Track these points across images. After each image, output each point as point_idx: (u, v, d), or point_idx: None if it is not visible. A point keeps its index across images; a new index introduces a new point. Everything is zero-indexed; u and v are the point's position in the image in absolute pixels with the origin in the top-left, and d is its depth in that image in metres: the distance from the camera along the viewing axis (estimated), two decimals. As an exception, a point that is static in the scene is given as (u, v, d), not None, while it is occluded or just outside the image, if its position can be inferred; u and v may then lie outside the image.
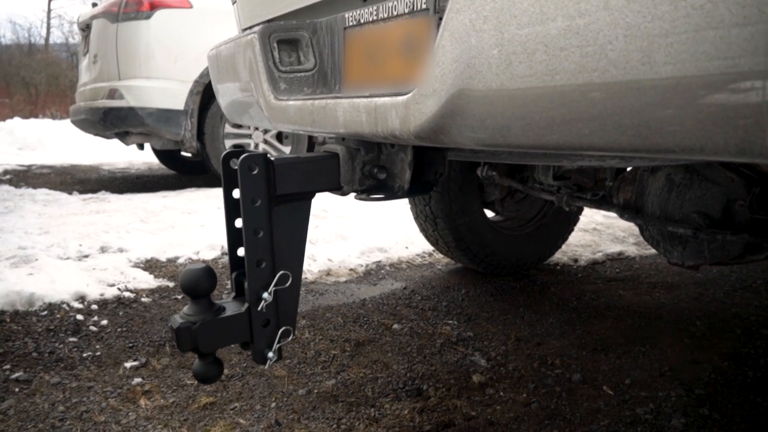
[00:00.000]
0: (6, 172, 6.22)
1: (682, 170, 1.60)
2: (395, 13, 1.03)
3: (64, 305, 2.07)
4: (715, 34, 0.48)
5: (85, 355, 1.75)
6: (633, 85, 0.55)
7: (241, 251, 1.07)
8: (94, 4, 5.40)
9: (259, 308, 1.01)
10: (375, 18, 1.09)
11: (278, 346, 1.05)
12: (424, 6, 0.94)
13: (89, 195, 4.58)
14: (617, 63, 0.54)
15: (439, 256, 2.94)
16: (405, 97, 0.83)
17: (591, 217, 3.64)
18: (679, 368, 1.73)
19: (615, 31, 0.54)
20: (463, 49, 0.71)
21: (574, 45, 0.57)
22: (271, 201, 1.00)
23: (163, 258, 2.71)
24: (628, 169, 1.82)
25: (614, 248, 3.06)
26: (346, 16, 1.19)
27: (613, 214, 2.53)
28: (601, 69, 0.56)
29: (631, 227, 3.47)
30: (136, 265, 2.59)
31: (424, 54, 0.95)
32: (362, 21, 1.14)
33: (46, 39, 28.46)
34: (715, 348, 1.86)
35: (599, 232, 3.43)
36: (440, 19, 0.90)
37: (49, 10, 28.98)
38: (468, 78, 0.71)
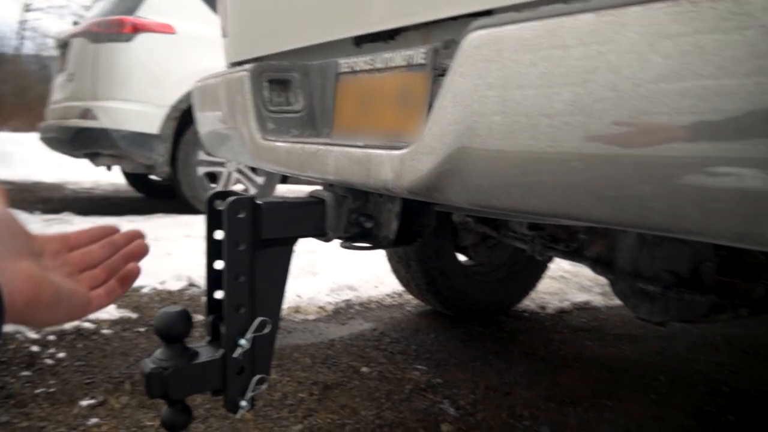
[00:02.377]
0: (-37, 185, 5.98)
1: (654, 229, 1.64)
2: (391, 65, 1.05)
3: (19, 335, 1.98)
4: (720, 123, 0.49)
5: (38, 391, 1.66)
6: (638, 162, 0.56)
7: (219, 294, 1.04)
8: (75, 23, 5.34)
9: (235, 355, 0.98)
10: (370, 68, 1.10)
11: (252, 394, 1.02)
12: (422, 61, 0.96)
13: (52, 216, 4.43)
14: (625, 142, 0.56)
15: (408, 297, 2.93)
16: (401, 151, 0.84)
17: (558, 264, 3.69)
18: (645, 425, 1.74)
19: (621, 112, 0.55)
20: (465, 113, 0.71)
21: (579, 120, 0.58)
22: (255, 245, 0.98)
23: (126, 286, 2.62)
24: (602, 224, 1.86)
25: (581, 297, 3.11)
26: (340, 62, 1.20)
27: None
28: (605, 147, 0.57)
29: (597, 277, 3.53)
30: (98, 293, 2.50)
31: (418, 108, 0.96)
32: (356, 69, 1.15)
33: (18, 50, 27.90)
34: (679, 405, 1.89)
35: (566, 280, 3.47)
36: (438, 75, 0.92)
37: (23, 21, 28.54)
38: (467, 140, 0.72)
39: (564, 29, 0.59)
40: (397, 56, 1.01)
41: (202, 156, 4.67)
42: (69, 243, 0.71)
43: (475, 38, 0.69)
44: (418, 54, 0.95)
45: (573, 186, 0.62)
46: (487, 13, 0.84)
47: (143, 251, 0.78)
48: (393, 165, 0.85)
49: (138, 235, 0.79)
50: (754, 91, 0.46)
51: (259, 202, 0.99)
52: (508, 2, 0.76)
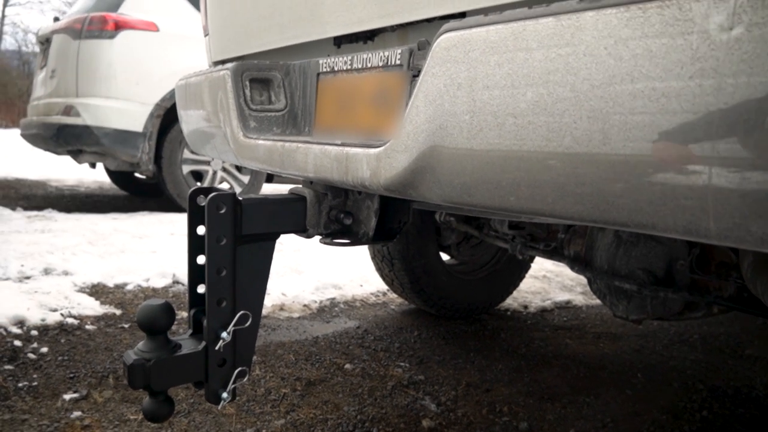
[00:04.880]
0: (-56, 182, 5.93)
1: (629, 228, 1.68)
2: (369, 65, 1.07)
3: (1, 330, 1.98)
4: (668, 123, 0.53)
5: (20, 384, 1.66)
6: (595, 159, 0.59)
7: (201, 288, 1.06)
8: (56, 18, 5.31)
9: (217, 347, 1.00)
10: (349, 68, 1.13)
11: (233, 386, 1.04)
12: (398, 62, 0.99)
13: (34, 212, 4.41)
14: (580, 140, 0.59)
15: (393, 295, 2.95)
16: (377, 149, 0.86)
17: (541, 264, 3.74)
18: (621, 420, 1.78)
19: (580, 112, 0.58)
20: (436, 112, 0.74)
21: (542, 120, 0.62)
22: (237, 240, 1.01)
23: (110, 284, 2.63)
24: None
25: (563, 296, 3.15)
26: (320, 62, 1.23)
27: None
28: (565, 145, 0.60)
29: (579, 276, 3.58)
30: (82, 290, 2.50)
31: (395, 107, 0.99)
32: (336, 69, 1.17)
33: (-2, 45, 27.55)
34: (655, 401, 1.93)
35: (549, 280, 3.52)
36: (414, 76, 0.95)
37: (3, 17, 28.19)
38: (439, 138, 0.75)
39: (527, 32, 0.62)
40: (374, 57, 1.03)
41: (187, 154, 4.67)
42: None
43: (445, 40, 0.72)
44: (394, 55, 0.97)
45: (539, 183, 0.66)
46: (461, 15, 0.87)
47: None
48: (370, 163, 0.88)
49: None
50: (697, 93, 0.49)
51: (240, 198, 1.01)
52: (478, 5, 0.79)
